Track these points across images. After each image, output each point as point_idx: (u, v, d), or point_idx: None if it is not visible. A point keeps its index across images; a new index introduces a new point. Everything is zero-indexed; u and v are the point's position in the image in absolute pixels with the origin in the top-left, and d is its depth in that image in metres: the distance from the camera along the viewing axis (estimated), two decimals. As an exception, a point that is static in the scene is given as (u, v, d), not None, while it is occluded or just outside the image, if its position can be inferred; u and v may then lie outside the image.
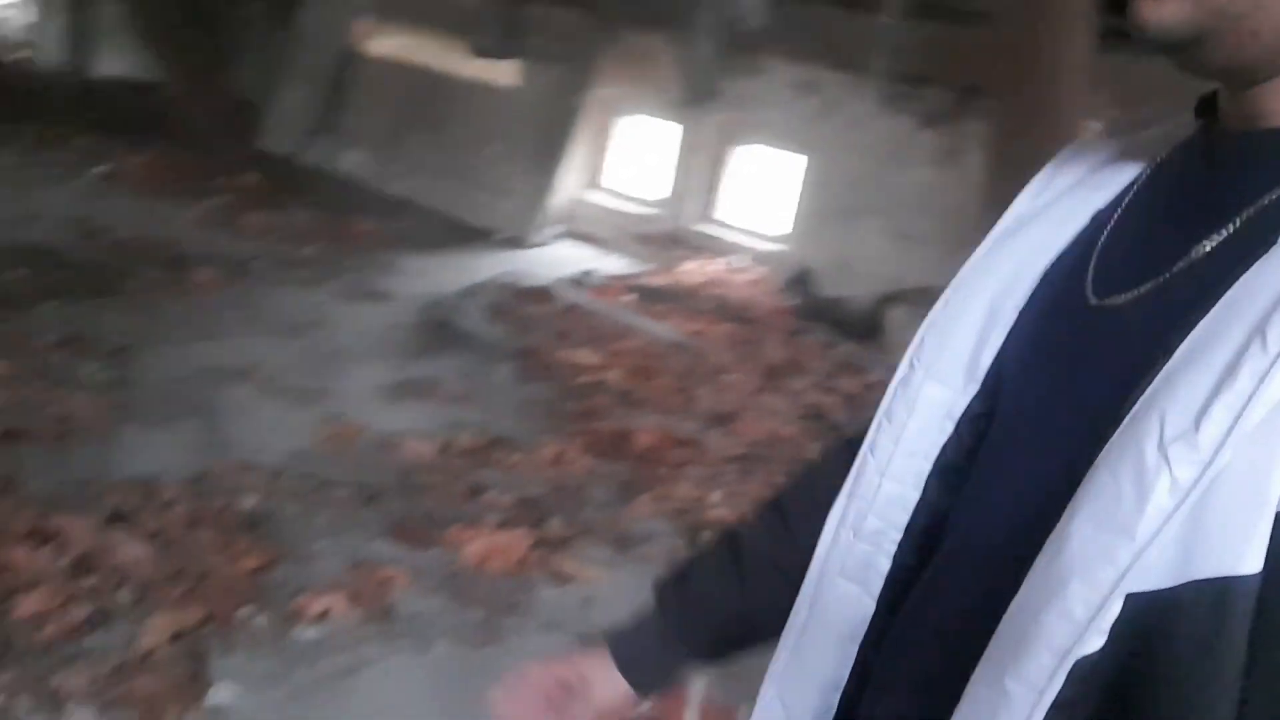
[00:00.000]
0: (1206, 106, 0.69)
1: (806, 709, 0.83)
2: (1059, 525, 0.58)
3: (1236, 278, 0.56)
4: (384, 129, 7.65)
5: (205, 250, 5.41)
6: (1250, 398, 0.51)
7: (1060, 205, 0.76)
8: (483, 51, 6.45)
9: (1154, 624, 0.54)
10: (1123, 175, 0.74)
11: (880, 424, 0.79)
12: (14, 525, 2.73)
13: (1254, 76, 0.61)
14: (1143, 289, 0.64)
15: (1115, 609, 0.54)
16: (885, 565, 0.78)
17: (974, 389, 0.74)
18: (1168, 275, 0.63)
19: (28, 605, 2.43)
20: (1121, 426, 0.57)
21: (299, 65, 7.98)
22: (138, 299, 4.64)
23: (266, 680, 2.40)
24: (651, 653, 0.98)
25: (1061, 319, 0.71)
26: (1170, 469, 0.53)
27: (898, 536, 0.77)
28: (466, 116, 7.06)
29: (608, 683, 0.97)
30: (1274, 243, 0.56)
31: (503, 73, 6.76)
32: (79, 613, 2.44)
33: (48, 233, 5.25)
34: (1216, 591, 0.52)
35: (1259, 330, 0.53)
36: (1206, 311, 0.56)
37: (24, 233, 5.15)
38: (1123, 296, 0.65)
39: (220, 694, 2.32)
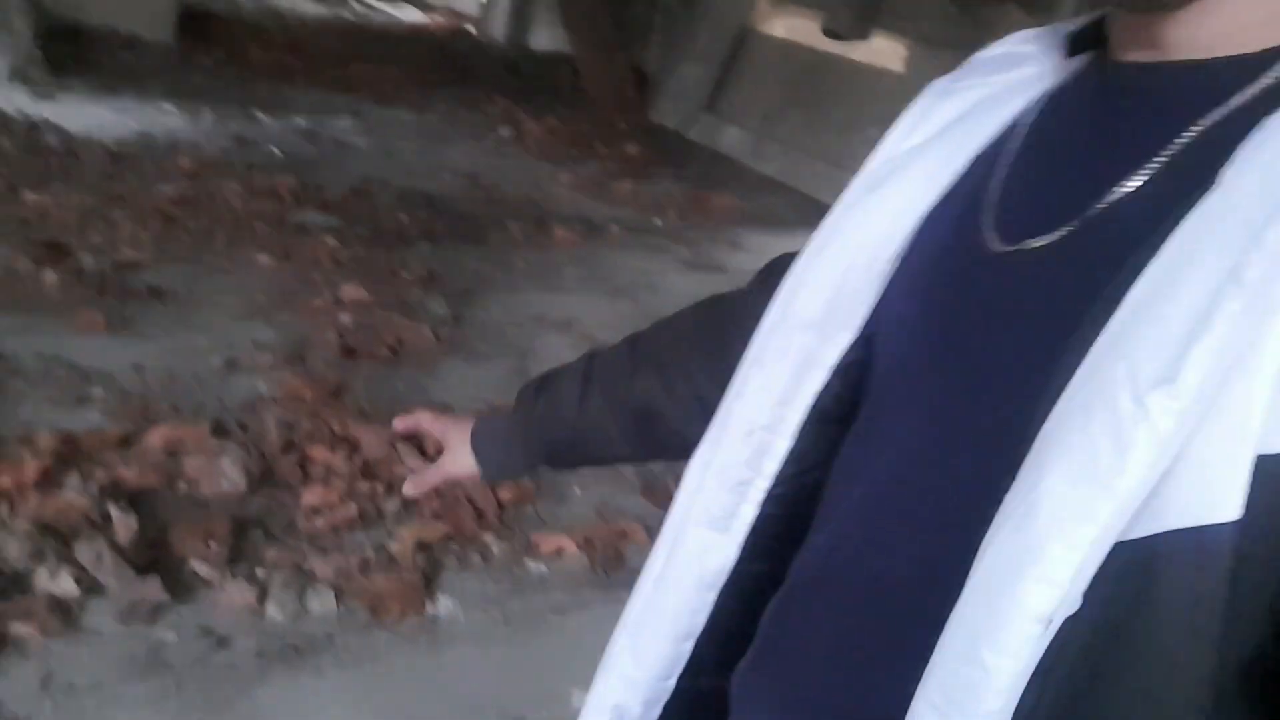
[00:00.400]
0: (1085, 42, 0.68)
1: (658, 657, 0.81)
2: (1022, 487, 0.54)
3: (1179, 218, 0.54)
4: (765, 108, 7.74)
5: (570, 211, 5.81)
6: (1229, 341, 0.49)
7: (934, 148, 0.72)
8: (833, 32, 6.33)
9: (1132, 578, 0.52)
10: (1000, 114, 0.70)
11: (749, 372, 0.77)
12: (327, 427, 3.12)
13: (1203, 8, 0.58)
14: (1059, 233, 0.61)
15: (1094, 567, 0.51)
16: (751, 514, 0.76)
17: (848, 337, 0.72)
18: (1086, 217, 0.60)
19: (311, 496, 2.77)
20: (1078, 378, 0.54)
21: (698, 43, 8.28)
22: (496, 248, 5.09)
23: (486, 601, 2.57)
24: (499, 445, 1.07)
25: (956, 268, 0.67)
26: (1150, 418, 0.50)
27: (766, 485, 0.75)
28: (850, 99, 6.97)
29: (461, 456, 1.09)
30: (1213, 181, 0.53)
31: (889, 57, 6.60)
32: (349, 510, 2.75)
33: (443, 183, 5.91)
34: (1195, 540, 0.51)
35: (1233, 274, 0.50)
36: (1152, 254, 0.54)
37: (425, 182, 5.83)
38: (1035, 242, 0.62)
39: (442, 606, 2.52)
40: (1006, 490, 0.55)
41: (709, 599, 0.78)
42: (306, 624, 2.38)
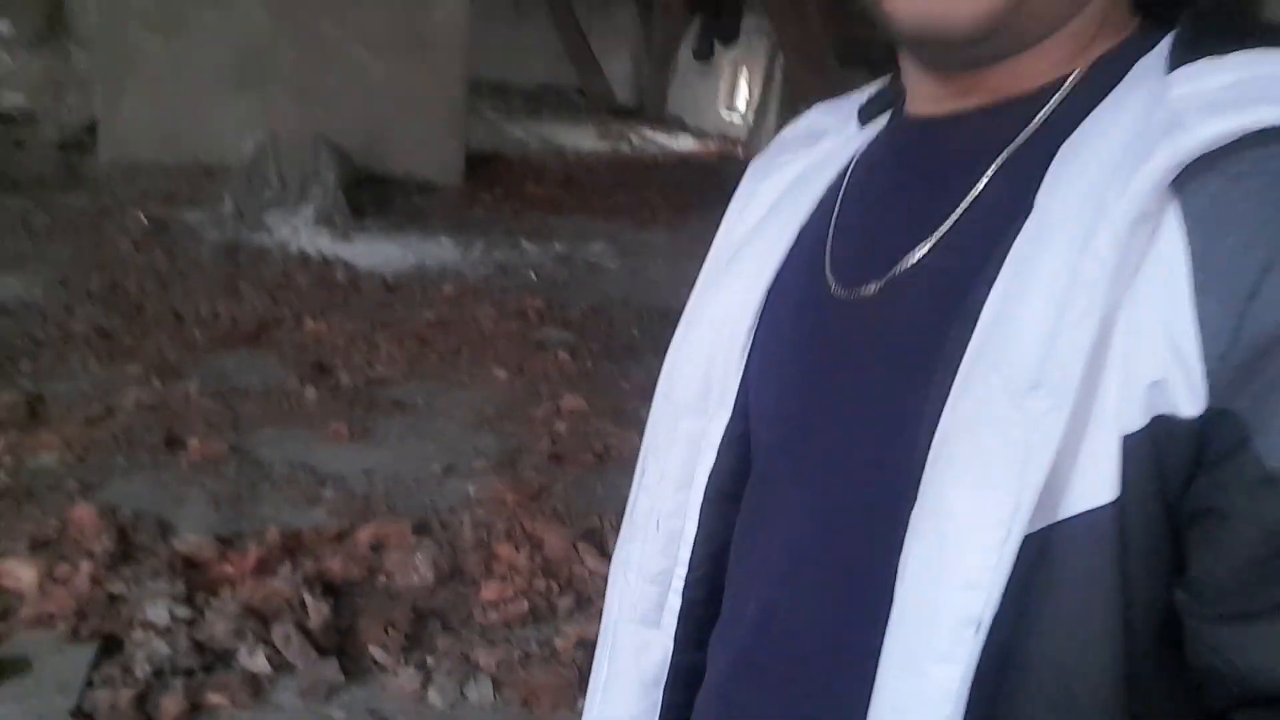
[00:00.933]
0: (879, 105, 0.76)
1: None
2: (927, 503, 0.58)
3: (1009, 241, 0.58)
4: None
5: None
6: (1080, 341, 0.53)
7: (768, 224, 0.78)
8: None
9: (1037, 570, 0.55)
10: (821, 181, 0.76)
11: (646, 463, 0.81)
12: (519, 526, 3.32)
13: (993, 59, 0.64)
14: (895, 273, 0.66)
15: (1009, 565, 0.54)
16: (677, 603, 0.78)
17: (726, 414, 0.75)
18: (914, 261, 0.65)
19: (489, 591, 2.95)
20: (954, 396, 0.58)
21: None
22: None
23: (636, 701, 2.61)
24: None
25: (810, 323, 0.72)
26: (1030, 419, 0.54)
27: (684, 573, 0.78)
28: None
29: None
30: (1028, 206, 0.58)
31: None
32: (521, 606, 2.90)
33: (683, 299, 6.12)
34: (1084, 525, 0.54)
35: (1070, 280, 0.54)
36: (993, 275, 0.58)
37: (665, 298, 6.08)
38: (873, 285, 0.67)
39: (593, 702, 2.58)
40: (904, 516, 0.59)
41: (655, 697, 0.80)
42: (464, 711, 2.52)
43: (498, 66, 13.42)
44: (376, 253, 6.61)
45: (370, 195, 7.63)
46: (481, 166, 9.08)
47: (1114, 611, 0.55)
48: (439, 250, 6.87)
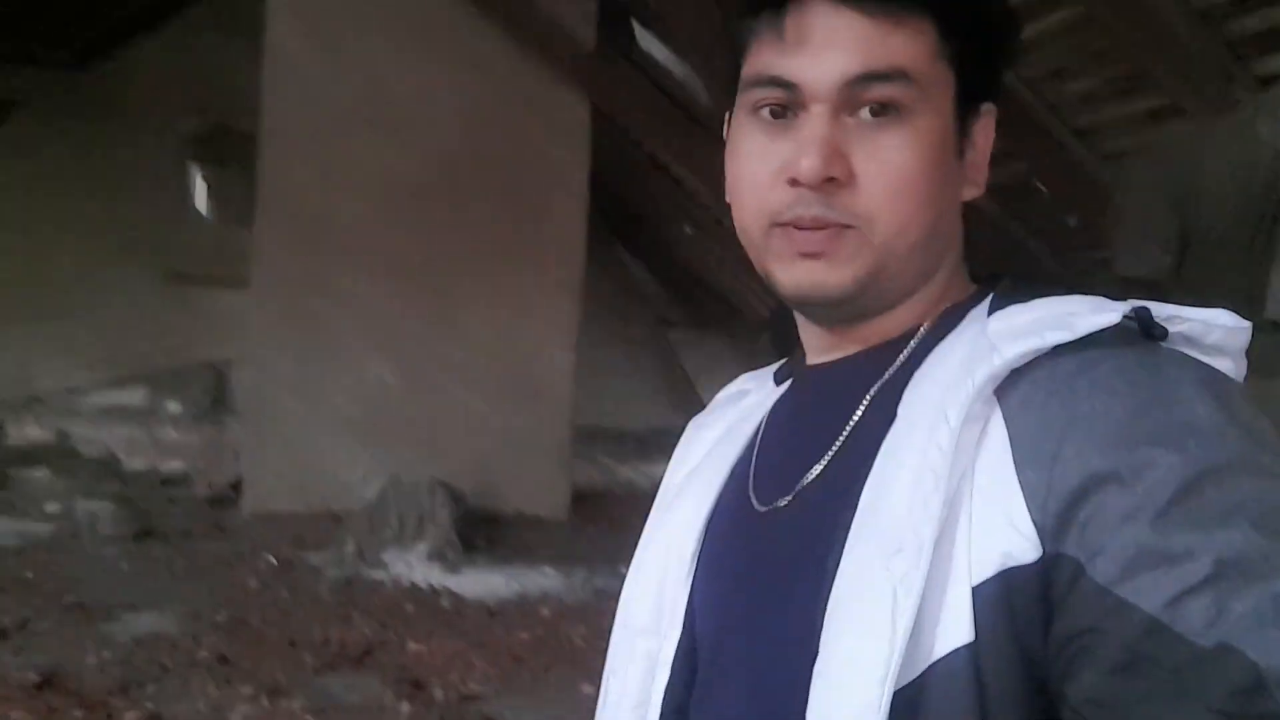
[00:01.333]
0: (789, 370, 0.95)
1: None
2: (825, 651, 0.69)
3: (878, 445, 0.74)
4: None
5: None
6: (933, 511, 0.67)
7: (705, 466, 0.95)
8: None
9: (913, 711, 0.65)
10: (747, 427, 0.94)
11: (608, 683, 0.93)
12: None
13: (863, 317, 0.84)
14: (799, 487, 0.82)
15: (887, 702, 0.64)
16: None
17: (676, 632, 0.88)
18: (815, 475, 0.81)
19: None
20: (844, 568, 0.70)
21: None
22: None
23: None
24: None
25: (738, 534, 0.87)
26: (894, 578, 0.66)
27: None
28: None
29: None
30: (894, 414, 0.75)
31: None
32: None
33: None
34: (947, 668, 0.65)
35: (923, 464, 0.69)
36: (866, 477, 0.73)
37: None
38: (784, 499, 0.83)
39: None
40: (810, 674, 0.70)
41: None
42: None
43: (611, 414, 14.32)
44: (482, 582, 6.96)
45: (481, 531, 8.10)
46: (589, 503, 9.55)
47: None
48: (541, 578, 7.18)
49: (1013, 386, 0.70)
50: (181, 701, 4.53)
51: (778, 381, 0.96)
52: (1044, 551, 0.64)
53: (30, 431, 10.66)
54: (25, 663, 4.82)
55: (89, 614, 5.64)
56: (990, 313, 0.78)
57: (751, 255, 0.83)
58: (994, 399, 0.70)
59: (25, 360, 11.51)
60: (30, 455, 9.63)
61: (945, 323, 0.81)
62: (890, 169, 0.76)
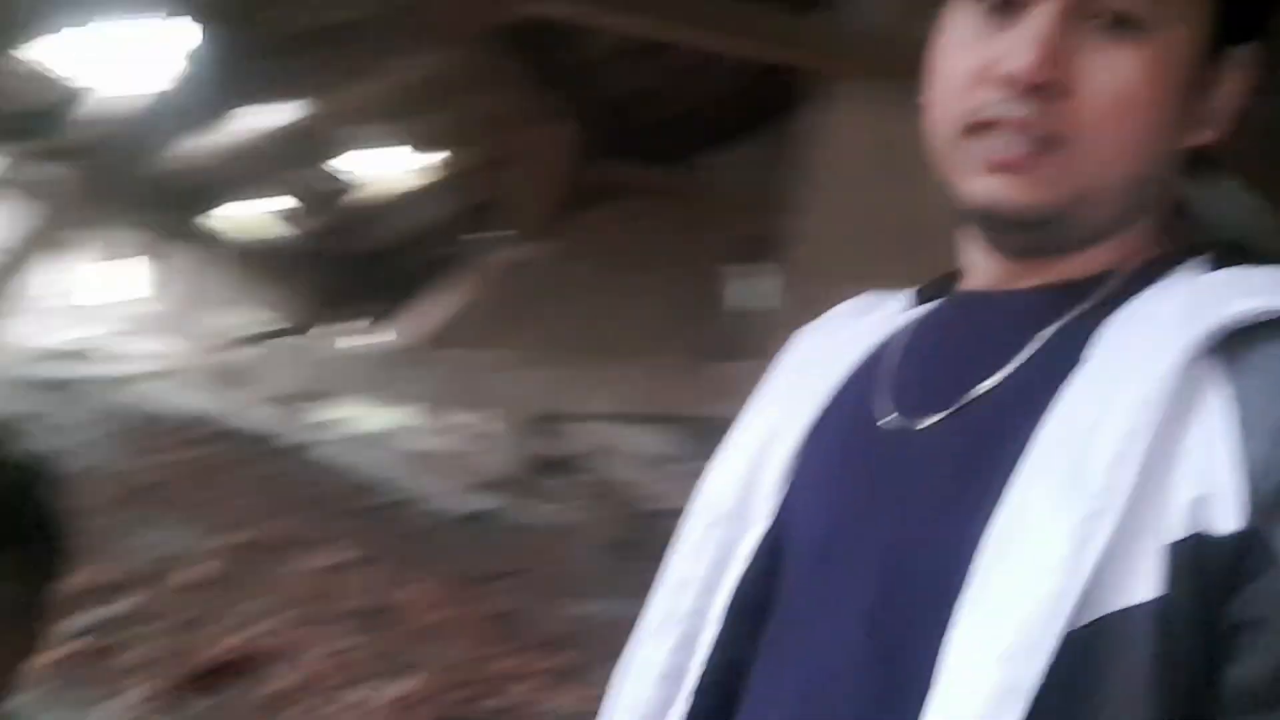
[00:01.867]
0: (935, 289, 0.84)
1: None
2: (977, 585, 0.62)
3: (1055, 388, 0.65)
4: None
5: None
6: (1125, 454, 0.60)
7: (815, 366, 0.85)
8: None
9: (1079, 662, 0.59)
10: (872, 337, 0.84)
11: (673, 563, 0.84)
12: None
13: (1052, 251, 0.72)
14: (946, 413, 0.72)
15: (1052, 643, 0.58)
16: (683, 708, 0.79)
17: (764, 524, 0.79)
18: (969, 400, 0.71)
19: None
20: (1006, 507, 0.63)
21: None
22: None
23: None
24: None
25: (857, 451, 0.77)
26: (1081, 518, 0.60)
27: (697, 676, 0.79)
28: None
29: None
30: (1076, 361, 0.67)
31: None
32: None
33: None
34: (1129, 619, 0.59)
35: (1127, 413, 0.61)
36: (1039, 415, 0.65)
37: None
38: (926, 420, 0.73)
39: None
40: (952, 602, 0.63)
41: None
42: None
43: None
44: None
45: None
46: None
47: (1150, 707, 0.58)
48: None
49: (1243, 347, 0.62)
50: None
51: (921, 300, 0.85)
52: (1245, 526, 0.59)
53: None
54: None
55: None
56: (1214, 268, 0.69)
57: (937, 164, 0.74)
58: (1219, 353, 0.62)
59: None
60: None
61: (1148, 272, 0.71)
62: (1117, 85, 0.67)
